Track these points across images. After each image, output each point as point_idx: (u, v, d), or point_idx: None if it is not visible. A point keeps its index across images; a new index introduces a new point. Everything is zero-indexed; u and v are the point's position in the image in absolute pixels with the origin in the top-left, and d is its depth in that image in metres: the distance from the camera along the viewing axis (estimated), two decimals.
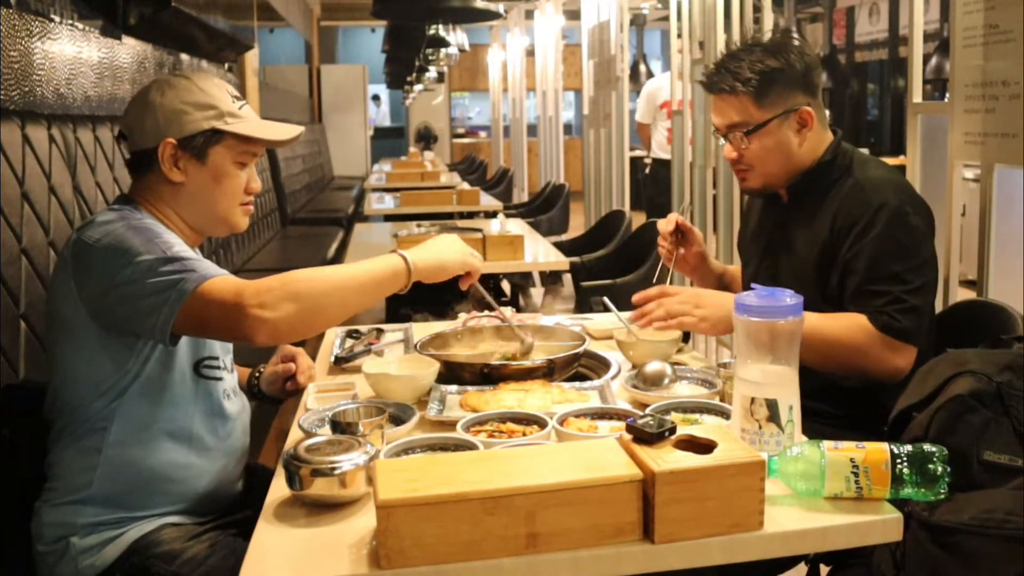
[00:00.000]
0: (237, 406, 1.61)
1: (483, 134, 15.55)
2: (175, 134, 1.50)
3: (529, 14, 9.38)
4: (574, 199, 6.64)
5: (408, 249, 1.51)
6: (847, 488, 1.17)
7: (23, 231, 1.92)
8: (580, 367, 1.81)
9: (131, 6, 3.10)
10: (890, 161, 6.89)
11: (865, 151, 2.05)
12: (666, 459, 1.10)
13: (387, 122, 16.53)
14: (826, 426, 1.68)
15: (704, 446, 1.14)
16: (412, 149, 12.45)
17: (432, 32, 5.64)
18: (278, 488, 1.27)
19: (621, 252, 4.19)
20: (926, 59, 6.84)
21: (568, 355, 1.74)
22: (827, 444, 1.19)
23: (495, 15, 5.16)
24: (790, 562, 1.61)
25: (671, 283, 1.89)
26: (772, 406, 1.29)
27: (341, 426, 1.35)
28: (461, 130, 15.95)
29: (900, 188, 1.76)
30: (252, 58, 6.21)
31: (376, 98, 15.65)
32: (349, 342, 2.02)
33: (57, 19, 2.52)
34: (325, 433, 1.38)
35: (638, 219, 4.50)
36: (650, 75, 10.67)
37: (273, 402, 1.78)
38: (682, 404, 1.51)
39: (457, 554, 1.06)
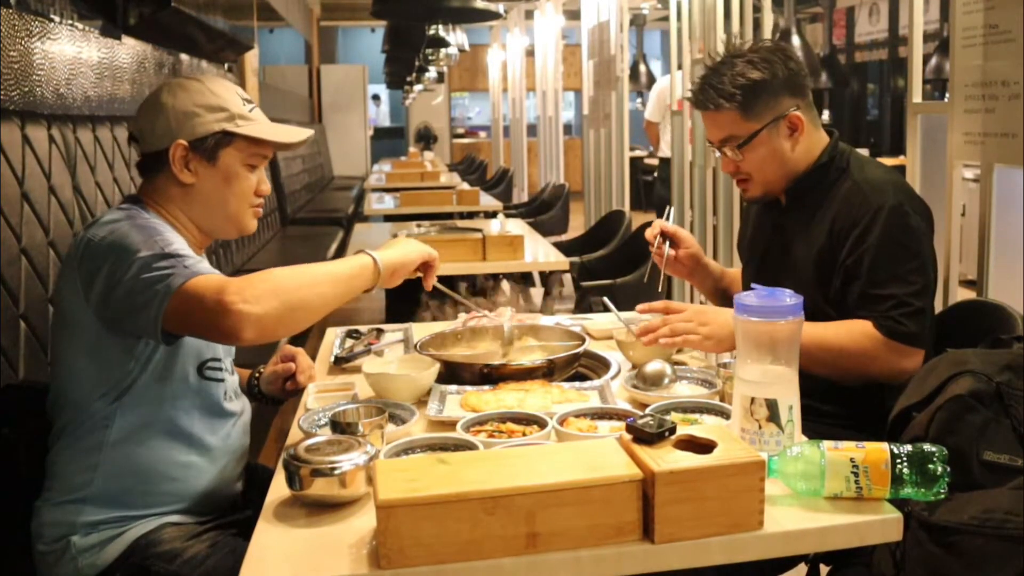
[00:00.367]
0: (237, 407, 1.61)
1: (483, 134, 15.55)
2: (186, 136, 1.50)
3: (529, 14, 9.38)
4: (574, 199, 6.65)
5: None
6: (847, 488, 1.17)
7: (23, 231, 1.92)
8: (580, 367, 1.81)
9: (131, 6, 3.10)
10: (890, 161, 6.89)
11: (864, 151, 2.05)
12: (666, 459, 1.10)
13: (387, 122, 16.54)
14: (826, 426, 1.68)
15: (704, 446, 1.14)
16: (412, 149, 12.46)
17: (432, 32, 5.64)
18: (278, 488, 1.27)
19: (621, 252, 4.19)
20: (926, 59, 6.84)
21: (568, 355, 1.75)
22: (827, 444, 1.19)
23: (495, 15, 5.16)
24: (790, 562, 1.61)
25: (667, 282, 1.89)
26: (772, 406, 1.29)
27: (341, 426, 1.35)
28: (461, 130, 15.96)
29: (898, 188, 1.76)
30: (252, 58, 6.21)
31: (376, 98, 15.65)
32: (349, 342, 2.02)
33: (57, 19, 2.53)
34: (325, 433, 1.38)
35: (638, 219, 4.51)
36: (650, 75, 10.68)
37: (273, 402, 1.78)
38: (682, 404, 1.51)
39: (457, 554, 1.06)
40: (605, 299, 1.98)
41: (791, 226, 1.87)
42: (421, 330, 2.07)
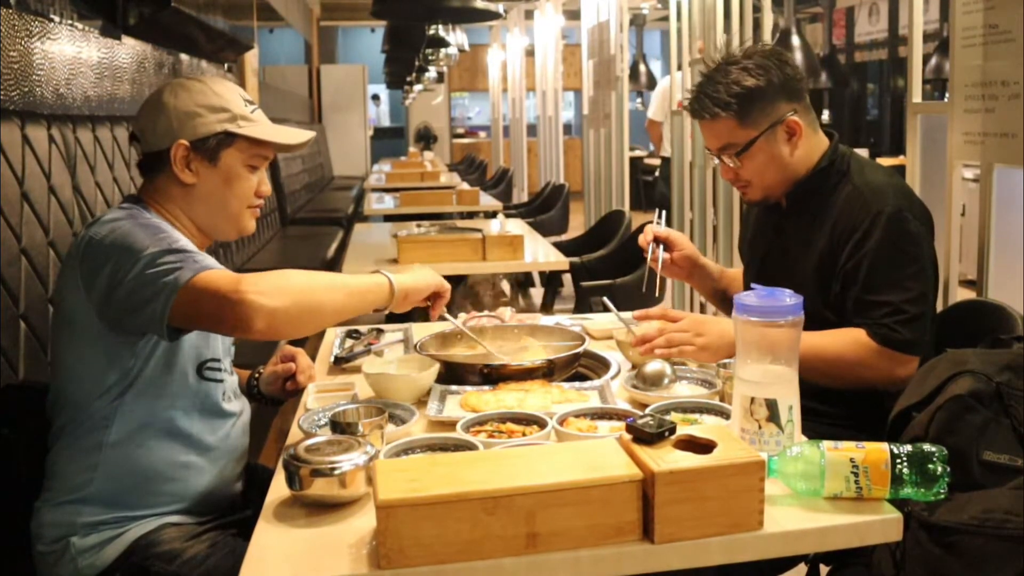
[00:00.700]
0: (237, 407, 1.61)
1: (483, 134, 15.55)
2: (188, 136, 1.51)
3: (529, 14, 9.39)
4: (574, 199, 6.64)
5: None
6: (847, 488, 1.17)
7: (23, 231, 1.92)
8: (580, 367, 1.81)
9: (131, 6, 3.10)
10: (890, 161, 6.89)
11: (864, 151, 2.05)
12: (666, 459, 1.10)
13: (387, 122, 16.53)
14: (826, 426, 1.68)
15: (704, 446, 1.14)
16: (412, 149, 12.46)
17: (432, 32, 5.63)
18: (278, 488, 1.27)
19: (621, 252, 4.19)
20: (926, 59, 6.83)
21: (568, 355, 1.74)
22: (827, 444, 1.19)
23: (495, 15, 5.16)
24: (790, 562, 1.62)
25: (663, 286, 1.88)
26: (772, 406, 1.29)
27: (341, 426, 1.35)
28: (461, 130, 15.95)
29: (898, 193, 1.75)
30: (252, 58, 6.21)
31: (376, 98, 15.65)
32: (349, 342, 2.02)
33: (57, 19, 2.52)
34: (325, 433, 1.38)
35: (638, 219, 4.50)
36: (650, 75, 10.69)
37: (273, 403, 1.78)
38: (682, 404, 1.51)
39: (457, 554, 1.06)
40: (605, 299, 1.98)
41: (792, 230, 1.87)
42: (421, 330, 2.07)
